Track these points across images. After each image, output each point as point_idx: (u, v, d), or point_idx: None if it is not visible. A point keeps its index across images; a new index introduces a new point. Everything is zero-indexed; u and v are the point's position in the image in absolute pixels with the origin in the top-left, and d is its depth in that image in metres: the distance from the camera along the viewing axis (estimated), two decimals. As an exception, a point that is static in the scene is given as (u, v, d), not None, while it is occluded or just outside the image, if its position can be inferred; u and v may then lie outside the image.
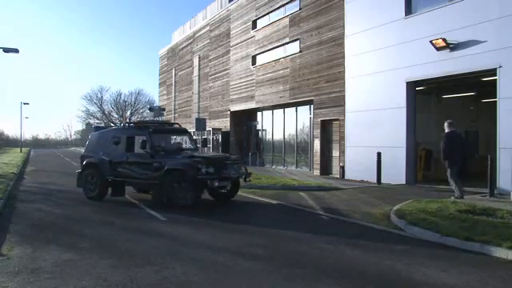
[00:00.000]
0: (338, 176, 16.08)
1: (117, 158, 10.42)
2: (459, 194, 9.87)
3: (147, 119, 11.39)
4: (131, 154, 10.32)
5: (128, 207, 9.64)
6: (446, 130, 10.19)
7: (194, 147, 11.84)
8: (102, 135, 11.37)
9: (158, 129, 10.96)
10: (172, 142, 11.89)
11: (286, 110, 20.83)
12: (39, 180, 16.00)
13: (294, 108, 20.01)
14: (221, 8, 26.85)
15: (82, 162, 11.33)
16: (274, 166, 21.59)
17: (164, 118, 29.41)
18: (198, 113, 28.83)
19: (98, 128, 13.08)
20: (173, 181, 9.38)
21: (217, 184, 9.58)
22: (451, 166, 10.02)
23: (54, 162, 29.57)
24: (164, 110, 11.17)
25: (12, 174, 16.36)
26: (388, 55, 13.86)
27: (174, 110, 34.26)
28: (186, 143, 11.97)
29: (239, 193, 11.65)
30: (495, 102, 10.86)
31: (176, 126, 13.05)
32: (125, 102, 61.81)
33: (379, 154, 13.43)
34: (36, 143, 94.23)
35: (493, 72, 10.85)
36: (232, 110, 24.77)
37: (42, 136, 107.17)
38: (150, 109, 10.81)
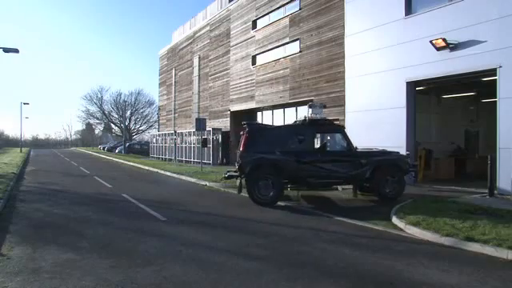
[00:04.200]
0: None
1: (306, 156, 9.94)
2: None
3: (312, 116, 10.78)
4: (325, 152, 10.28)
5: (128, 207, 9.63)
6: None
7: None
8: (277, 132, 10.55)
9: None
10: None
11: (286, 110, 20.82)
12: (39, 180, 15.99)
13: (294, 108, 20.00)
14: (221, 8, 26.85)
15: (244, 163, 9.89)
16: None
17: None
18: (198, 113, 28.83)
19: (254, 125, 11.47)
20: (385, 176, 10.14)
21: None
22: None
23: (53, 162, 29.57)
24: (325, 106, 11.04)
25: (12, 174, 16.36)
26: (388, 55, 13.86)
27: (174, 109, 34.27)
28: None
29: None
30: (495, 101, 10.86)
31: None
32: (125, 102, 61.41)
33: (379, 154, 13.42)
34: (36, 143, 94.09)
35: (493, 72, 10.85)
36: (232, 109, 24.77)
37: (41, 136, 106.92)
38: (310, 105, 10.58)
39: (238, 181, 10.45)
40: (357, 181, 10.45)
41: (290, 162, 9.83)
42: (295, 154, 9.91)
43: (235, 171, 10.74)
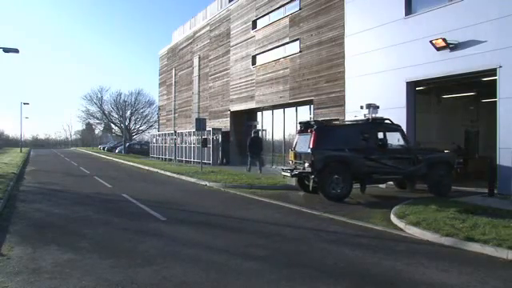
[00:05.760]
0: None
1: (372, 153, 10.48)
2: (248, 168, 17.50)
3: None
4: (388, 149, 10.76)
5: (128, 207, 9.63)
6: (252, 135, 18.36)
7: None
8: (344, 131, 11.17)
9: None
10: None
11: (285, 109, 20.82)
12: (39, 180, 16.00)
13: (294, 108, 19.99)
14: (221, 8, 26.85)
15: (316, 160, 10.14)
16: (274, 166, 21.56)
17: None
18: (198, 113, 28.83)
19: (322, 123, 11.54)
20: (438, 172, 10.77)
21: None
22: (251, 155, 17.61)
23: (53, 162, 29.57)
24: (378, 107, 11.61)
25: (12, 174, 16.36)
26: (388, 55, 13.86)
27: (174, 109, 34.27)
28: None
29: (239, 193, 11.65)
30: (495, 101, 10.86)
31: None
32: (125, 102, 61.40)
33: (379, 154, 13.41)
34: (36, 143, 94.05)
35: (493, 72, 10.85)
36: (232, 109, 24.77)
37: (42, 136, 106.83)
38: (368, 105, 11.16)
39: (294, 179, 10.94)
40: (414, 177, 11.09)
41: (358, 159, 10.36)
42: (362, 151, 10.43)
43: (294, 168, 11.09)
